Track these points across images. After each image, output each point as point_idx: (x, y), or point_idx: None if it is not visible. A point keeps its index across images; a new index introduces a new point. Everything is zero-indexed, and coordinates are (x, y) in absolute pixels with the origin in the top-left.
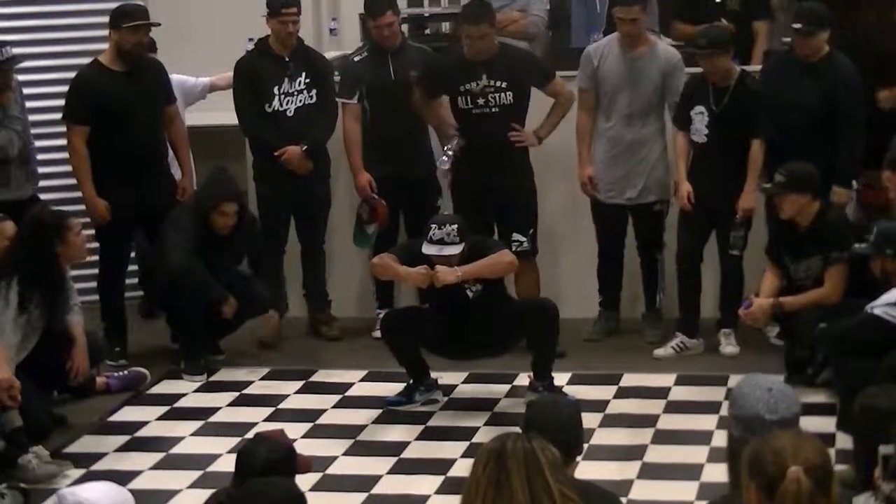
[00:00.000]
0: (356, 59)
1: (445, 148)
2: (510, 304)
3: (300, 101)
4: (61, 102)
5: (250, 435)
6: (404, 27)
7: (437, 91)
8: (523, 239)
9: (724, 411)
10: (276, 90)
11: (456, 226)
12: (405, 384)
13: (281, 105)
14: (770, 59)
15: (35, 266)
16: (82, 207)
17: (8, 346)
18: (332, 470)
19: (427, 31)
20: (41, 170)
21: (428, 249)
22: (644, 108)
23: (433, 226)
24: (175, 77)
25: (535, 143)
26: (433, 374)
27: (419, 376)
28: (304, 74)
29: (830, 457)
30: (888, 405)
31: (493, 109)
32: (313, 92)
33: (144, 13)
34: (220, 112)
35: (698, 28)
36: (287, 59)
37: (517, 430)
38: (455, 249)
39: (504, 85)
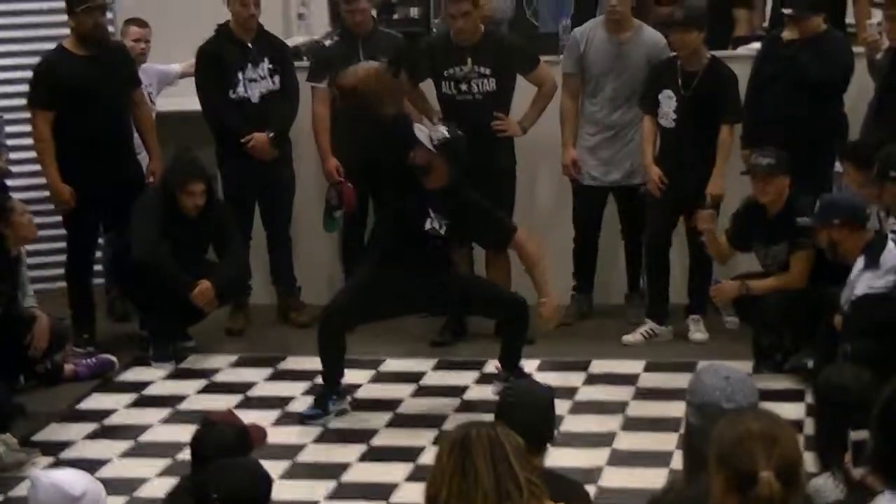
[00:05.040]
0: (327, 43)
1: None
2: (484, 282)
3: (264, 87)
4: (26, 88)
5: None
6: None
7: (421, 74)
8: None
9: None
10: (240, 76)
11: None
12: (316, 395)
13: (245, 91)
14: (764, 41)
15: None
16: (48, 193)
17: None
18: (301, 457)
19: (395, 16)
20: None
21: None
22: (629, 92)
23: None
24: (149, 64)
25: (519, 133)
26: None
27: (335, 383)
28: (266, 60)
29: (801, 448)
30: (855, 385)
31: (477, 96)
32: (276, 77)
33: None
34: (187, 97)
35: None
36: (250, 45)
37: (487, 418)
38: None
39: (488, 71)
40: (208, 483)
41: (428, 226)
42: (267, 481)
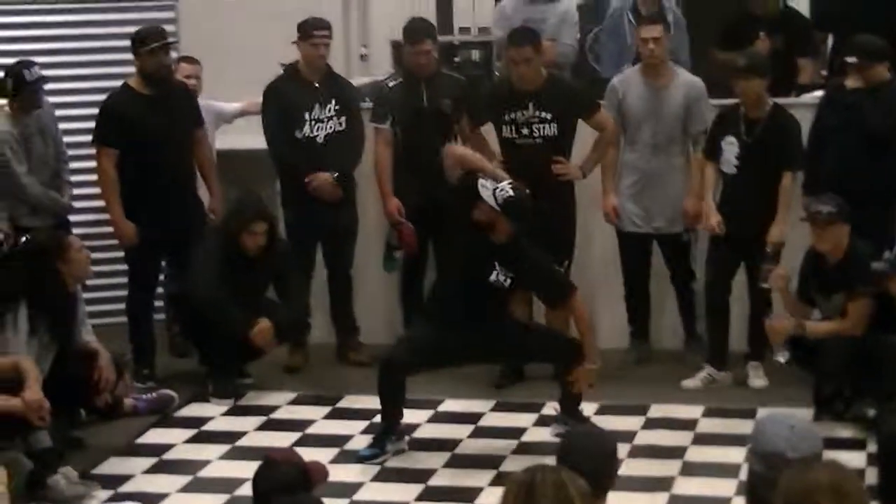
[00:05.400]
0: (390, 84)
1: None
2: (541, 328)
3: (330, 127)
4: (91, 125)
5: None
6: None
7: (483, 119)
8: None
9: None
10: (307, 116)
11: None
12: (374, 435)
13: (312, 131)
14: (827, 89)
15: (40, 288)
16: (111, 230)
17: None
18: (358, 496)
19: (457, 60)
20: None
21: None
22: (668, 138)
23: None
24: (207, 102)
25: (580, 177)
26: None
27: (393, 424)
28: (333, 101)
29: (867, 495)
30: None
31: (538, 140)
32: (342, 118)
33: (161, 34)
34: (249, 136)
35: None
36: (317, 85)
37: (546, 460)
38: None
39: (549, 116)
40: None
41: (493, 278)
42: None
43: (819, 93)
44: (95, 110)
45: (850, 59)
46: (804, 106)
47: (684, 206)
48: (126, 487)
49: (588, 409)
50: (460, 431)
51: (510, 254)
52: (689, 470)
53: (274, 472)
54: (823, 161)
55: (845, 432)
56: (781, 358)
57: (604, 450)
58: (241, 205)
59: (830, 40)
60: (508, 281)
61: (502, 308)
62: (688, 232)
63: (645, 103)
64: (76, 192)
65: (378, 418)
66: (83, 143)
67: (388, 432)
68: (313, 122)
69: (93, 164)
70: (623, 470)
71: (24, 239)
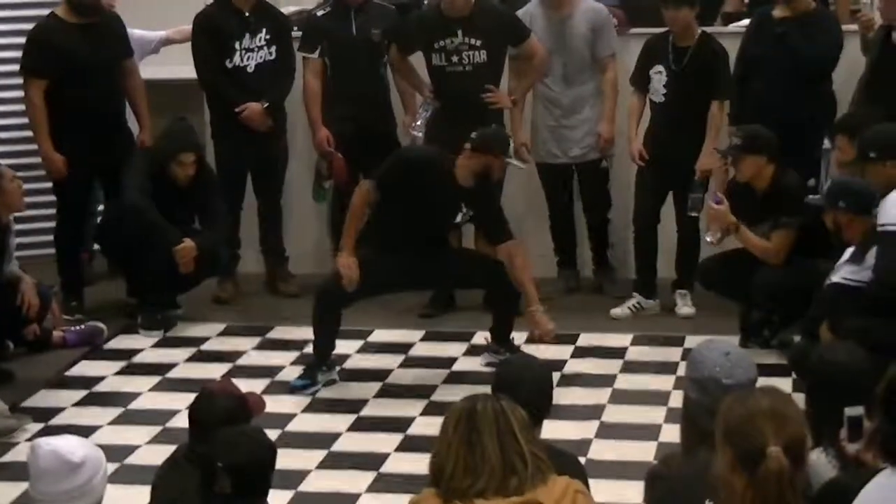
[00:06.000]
0: (319, 13)
1: (419, 112)
2: (475, 253)
3: (260, 56)
4: (17, 54)
5: None
6: None
7: (412, 47)
8: None
9: (680, 371)
10: (237, 45)
11: None
12: (305, 366)
13: (242, 60)
14: (753, 19)
15: None
16: (39, 161)
17: None
18: (290, 427)
19: None
20: None
21: None
22: (578, 67)
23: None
24: (132, 32)
25: (509, 105)
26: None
27: (325, 356)
28: (264, 30)
29: (805, 424)
30: (847, 360)
31: (467, 67)
32: (273, 48)
33: None
34: (178, 66)
35: None
36: (247, 14)
37: (478, 389)
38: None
39: (479, 43)
40: (213, 452)
41: (458, 219)
42: (271, 449)
43: (745, 22)
44: (22, 39)
45: None
46: (731, 35)
47: (599, 132)
48: (57, 420)
49: (517, 338)
50: (391, 361)
51: (478, 195)
52: (619, 398)
53: (212, 404)
54: (750, 90)
55: (772, 359)
56: (710, 237)
57: (539, 379)
58: (172, 133)
59: None
60: (466, 217)
61: (444, 238)
62: (605, 159)
63: (550, 36)
64: (2, 122)
65: (309, 349)
66: (11, 73)
67: (320, 363)
68: (244, 52)
69: (20, 94)
70: (554, 399)
71: None
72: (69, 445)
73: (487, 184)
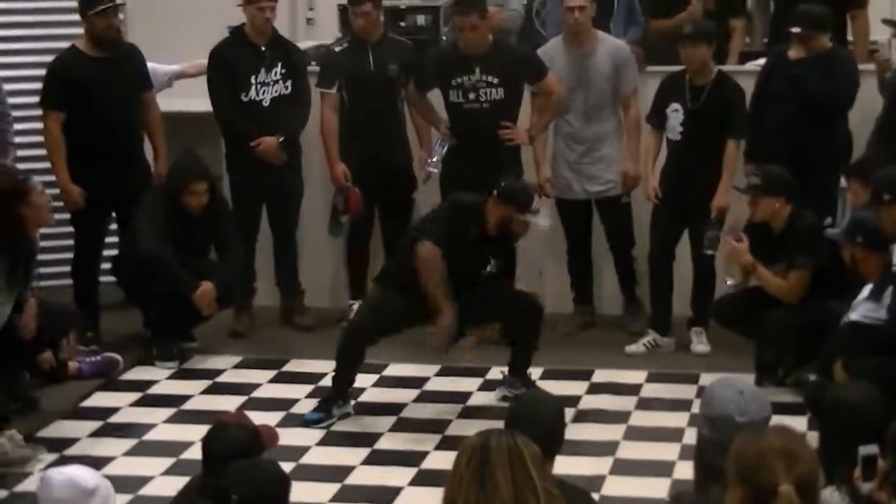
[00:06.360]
0: (336, 49)
1: (435, 147)
2: (501, 288)
3: (276, 91)
4: (38, 87)
5: None
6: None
7: (430, 83)
8: None
9: (694, 409)
10: (252, 79)
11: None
12: (320, 399)
13: (257, 94)
14: (769, 58)
15: (2, 231)
16: (57, 192)
17: None
18: (304, 460)
19: (403, 24)
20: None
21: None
22: (599, 104)
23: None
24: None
25: (527, 142)
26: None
27: (344, 389)
28: (279, 65)
29: (817, 462)
30: (860, 400)
31: (485, 105)
32: (288, 82)
33: None
34: (194, 98)
35: (678, 18)
36: (263, 49)
37: (492, 424)
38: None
39: (496, 80)
40: (227, 484)
41: (487, 270)
42: (285, 481)
43: (761, 61)
44: (41, 72)
45: (795, 30)
46: (747, 73)
47: (623, 169)
48: (72, 451)
49: (533, 373)
50: (406, 396)
51: (502, 243)
52: (633, 434)
53: (226, 436)
54: (766, 129)
55: (786, 397)
56: (731, 281)
57: (552, 414)
58: (181, 165)
59: (772, 6)
60: (496, 268)
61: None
62: (627, 195)
63: (572, 72)
64: (21, 153)
65: (324, 382)
66: (29, 105)
67: (336, 397)
68: (259, 86)
69: (39, 125)
70: (568, 434)
71: None
72: (81, 473)
73: (509, 239)
